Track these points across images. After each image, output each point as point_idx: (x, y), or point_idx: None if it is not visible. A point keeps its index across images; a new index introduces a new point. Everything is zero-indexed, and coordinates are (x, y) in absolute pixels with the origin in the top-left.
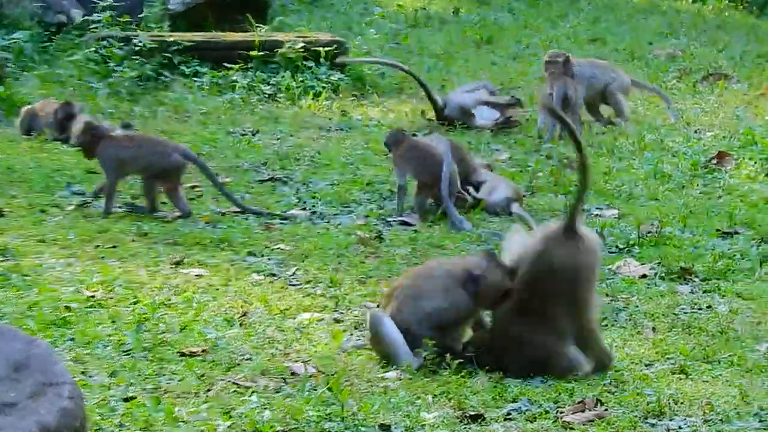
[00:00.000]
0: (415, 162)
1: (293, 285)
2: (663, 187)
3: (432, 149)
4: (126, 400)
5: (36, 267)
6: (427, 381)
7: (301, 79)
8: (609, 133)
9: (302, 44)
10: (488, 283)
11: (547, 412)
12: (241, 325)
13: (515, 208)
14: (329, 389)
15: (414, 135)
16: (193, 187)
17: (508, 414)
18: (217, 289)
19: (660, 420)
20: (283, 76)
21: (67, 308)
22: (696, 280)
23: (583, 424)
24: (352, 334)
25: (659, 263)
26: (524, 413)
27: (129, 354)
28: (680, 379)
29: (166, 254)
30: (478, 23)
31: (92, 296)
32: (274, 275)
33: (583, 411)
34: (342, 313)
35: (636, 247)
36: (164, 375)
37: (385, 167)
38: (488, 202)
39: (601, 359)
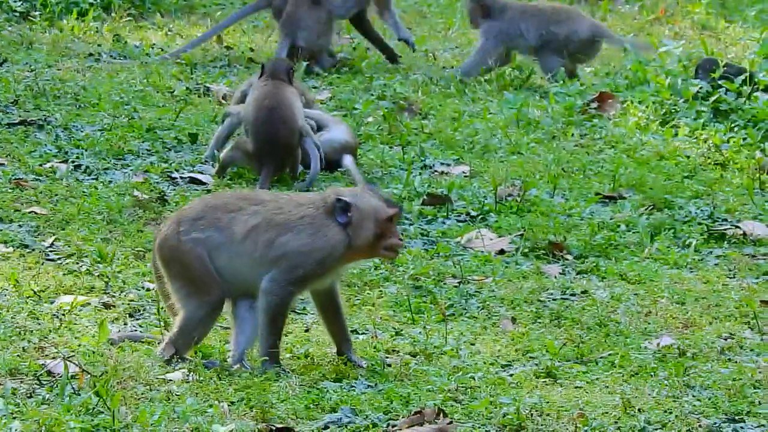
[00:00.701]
0: None
1: (51, 260)
2: (528, 138)
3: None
4: None
5: None
6: (221, 384)
7: None
8: (458, 66)
9: None
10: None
11: (374, 425)
12: None
13: (347, 160)
14: (96, 394)
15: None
16: None
17: (326, 427)
18: None
19: None
20: None
21: None
22: (569, 258)
23: None
24: (126, 324)
25: (521, 236)
26: (346, 426)
27: None
28: (546, 384)
29: None
30: None
31: None
32: (26, 247)
33: (421, 424)
34: (114, 296)
35: (492, 214)
36: None
37: (170, 108)
38: (322, 144)
39: None
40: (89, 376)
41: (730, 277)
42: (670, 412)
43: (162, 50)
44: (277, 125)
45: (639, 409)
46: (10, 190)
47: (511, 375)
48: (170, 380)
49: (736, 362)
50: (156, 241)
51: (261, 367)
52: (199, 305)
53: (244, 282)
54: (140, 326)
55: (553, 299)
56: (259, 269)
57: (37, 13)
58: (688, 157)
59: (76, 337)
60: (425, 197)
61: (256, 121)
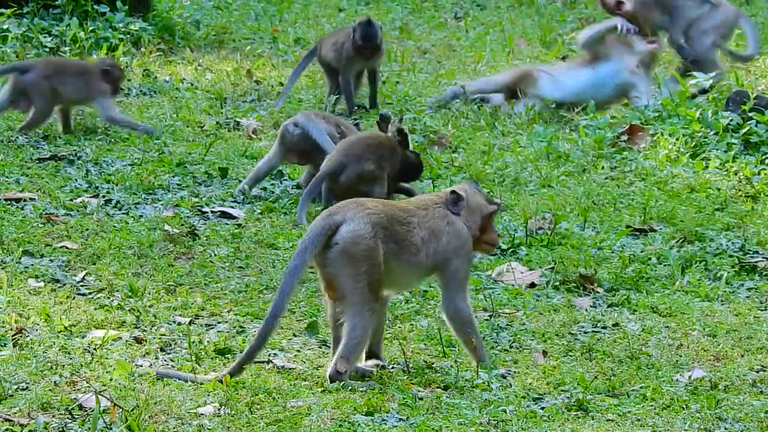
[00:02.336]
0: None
1: (82, 294)
2: (558, 171)
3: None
4: None
5: None
6: (252, 417)
7: (91, 28)
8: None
9: None
10: None
11: None
12: (15, 345)
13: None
14: (128, 428)
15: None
16: None
17: None
18: None
19: None
20: (69, 25)
21: None
22: (600, 291)
23: None
24: (157, 358)
25: (552, 269)
26: None
27: None
28: (578, 417)
29: None
30: None
31: None
32: (57, 281)
33: None
34: (145, 330)
35: (523, 247)
36: None
37: (200, 142)
38: None
39: None
40: (121, 410)
41: (762, 310)
42: None
43: (192, 85)
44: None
45: None
46: (41, 225)
47: (543, 408)
48: (202, 414)
49: None
50: (341, 236)
51: (481, 367)
52: (371, 311)
53: (402, 286)
54: (171, 361)
55: (584, 332)
56: (425, 277)
57: (66, 48)
58: (719, 189)
59: (107, 371)
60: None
61: None
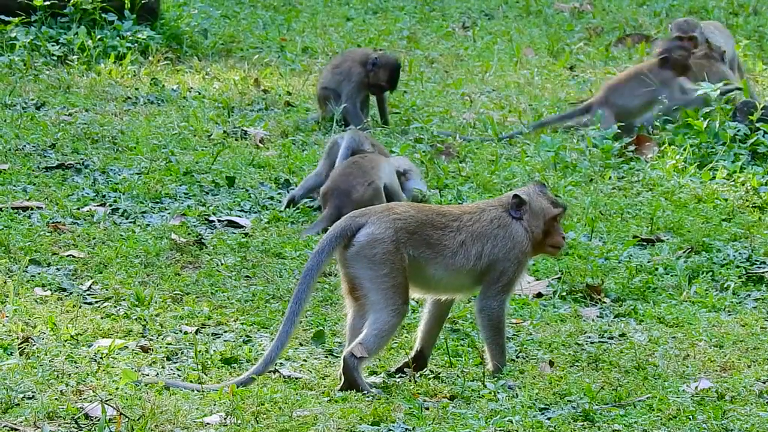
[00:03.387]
0: None
1: (88, 303)
2: (565, 181)
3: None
4: None
5: None
6: (258, 427)
7: (99, 36)
8: (496, 110)
9: None
10: None
11: None
12: (21, 354)
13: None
14: None
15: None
16: None
17: None
18: None
19: None
20: (77, 33)
21: None
22: (606, 301)
23: None
24: (163, 367)
25: (559, 279)
26: None
27: None
28: (584, 428)
29: None
30: None
31: None
32: (64, 290)
33: None
34: (151, 339)
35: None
36: None
37: (207, 151)
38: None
39: None
40: (127, 419)
41: None
42: None
43: (199, 94)
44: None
45: None
46: (48, 234)
47: (549, 418)
48: (208, 423)
49: None
50: (358, 239)
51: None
52: (396, 311)
53: (449, 290)
54: (178, 370)
55: (591, 342)
56: (470, 279)
57: (74, 57)
58: (726, 200)
59: (113, 381)
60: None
61: None
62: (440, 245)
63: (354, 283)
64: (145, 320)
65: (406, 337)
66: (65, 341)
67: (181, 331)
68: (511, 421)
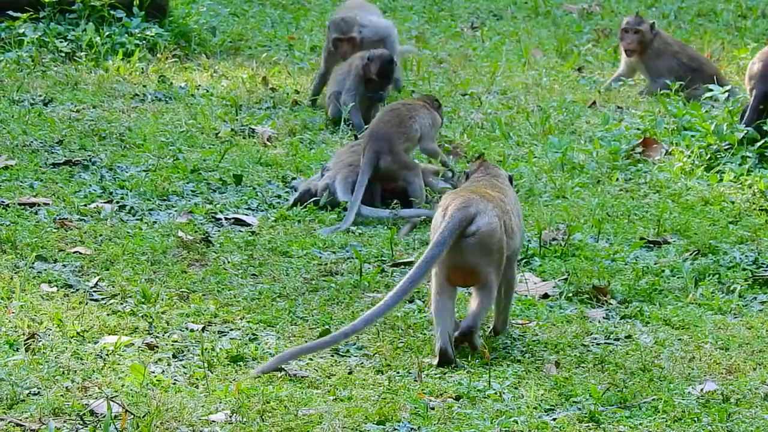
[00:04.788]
0: None
1: (95, 300)
2: (572, 182)
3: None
4: None
5: None
6: (264, 425)
7: (107, 33)
8: (504, 110)
9: None
10: None
11: None
12: (27, 350)
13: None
14: None
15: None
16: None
17: None
18: None
19: None
20: (85, 30)
21: None
22: (612, 302)
23: None
24: (169, 364)
25: (566, 280)
26: None
27: None
28: (589, 429)
29: None
30: None
31: None
32: (70, 287)
33: None
34: (157, 336)
35: (536, 258)
36: None
37: (215, 149)
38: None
39: None
40: (132, 416)
41: None
42: None
43: (207, 91)
44: None
45: None
46: (54, 230)
47: (554, 419)
48: (213, 421)
49: None
50: (479, 227)
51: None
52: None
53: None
54: (183, 367)
55: (597, 344)
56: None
57: (82, 53)
58: (733, 202)
59: (119, 377)
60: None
61: None
62: (510, 229)
63: (466, 269)
64: (151, 317)
65: (411, 336)
66: (71, 338)
67: (187, 328)
68: (517, 422)
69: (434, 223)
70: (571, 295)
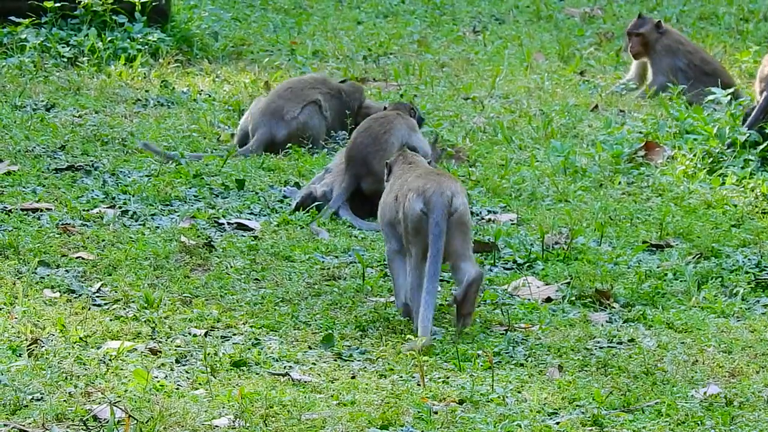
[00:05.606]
0: None
1: (97, 305)
2: (575, 186)
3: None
4: None
5: None
6: (267, 429)
7: (109, 38)
8: (506, 114)
9: None
10: None
11: None
12: (30, 355)
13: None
14: None
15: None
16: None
17: None
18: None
19: None
20: (87, 35)
21: None
22: (615, 306)
23: None
24: (172, 369)
25: (568, 284)
26: None
27: None
28: None
29: None
30: None
31: None
32: (73, 292)
33: None
34: (160, 341)
35: (539, 262)
36: None
37: (217, 155)
38: None
39: None
40: (135, 421)
41: None
42: None
43: (210, 96)
44: None
45: None
46: (57, 236)
47: (558, 423)
48: (217, 426)
49: None
50: (458, 207)
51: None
52: None
53: None
54: (187, 372)
55: (600, 347)
56: None
57: (85, 58)
58: (736, 205)
59: (122, 383)
60: (472, 244)
61: None
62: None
63: (448, 244)
64: (154, 322)
65: (409, 337)
66: (74, 343)
67: (190, 333)
68: (520, 426)
69: (384, 204)
70: (573, 298)
